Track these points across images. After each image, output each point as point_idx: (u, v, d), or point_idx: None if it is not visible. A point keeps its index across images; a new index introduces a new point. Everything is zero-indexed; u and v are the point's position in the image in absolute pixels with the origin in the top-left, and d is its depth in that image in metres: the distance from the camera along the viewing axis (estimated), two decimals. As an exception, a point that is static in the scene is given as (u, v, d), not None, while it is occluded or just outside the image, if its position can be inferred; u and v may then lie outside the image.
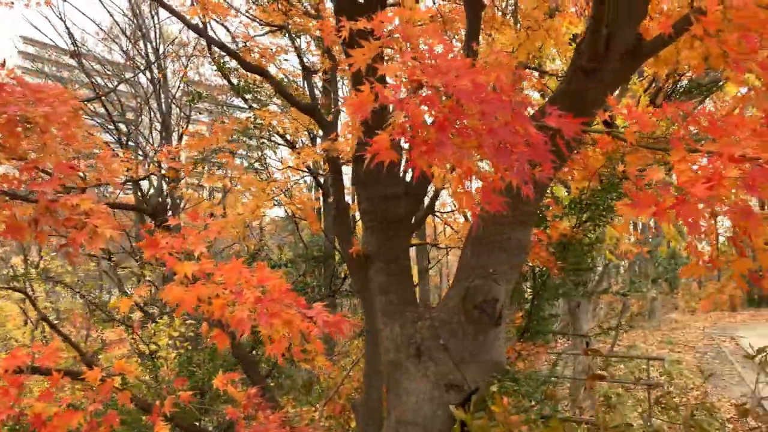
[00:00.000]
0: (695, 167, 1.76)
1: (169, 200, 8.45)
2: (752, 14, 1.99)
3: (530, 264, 4.65)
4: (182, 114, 16.34)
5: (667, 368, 11.98)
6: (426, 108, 1.61)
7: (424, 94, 1.63)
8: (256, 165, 10.36)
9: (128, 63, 14.36)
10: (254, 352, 6.05)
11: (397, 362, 3.01)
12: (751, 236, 1.54)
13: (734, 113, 2.00)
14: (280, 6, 7.55)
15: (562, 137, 1.90)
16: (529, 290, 5.28)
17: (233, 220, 7.49)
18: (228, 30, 8.85)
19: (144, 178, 4.09)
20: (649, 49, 2.90)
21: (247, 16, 7.17)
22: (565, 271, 4.66)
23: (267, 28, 7.71)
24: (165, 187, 7.47)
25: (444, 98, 1.68)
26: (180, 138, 16.82)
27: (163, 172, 3.79)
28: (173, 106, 15.49)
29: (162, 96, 14.44)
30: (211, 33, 5.77)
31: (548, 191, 6.47)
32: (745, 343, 14.93)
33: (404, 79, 1.76)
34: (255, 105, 9.11)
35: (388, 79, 1.88)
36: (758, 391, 10.07)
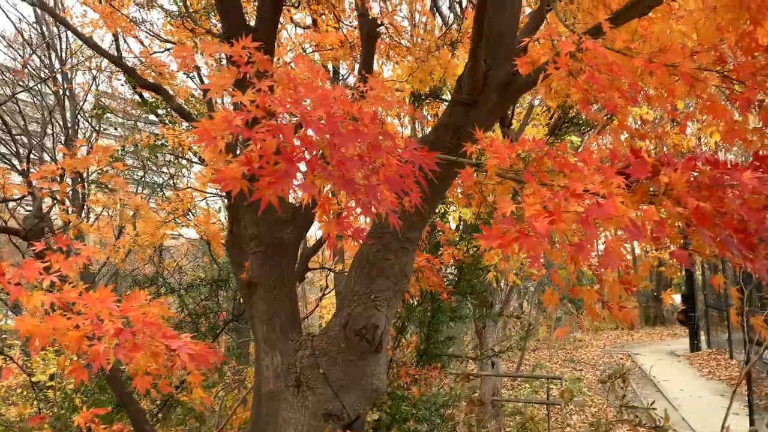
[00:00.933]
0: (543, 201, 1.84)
1: (58, 222, 7.95)
2: (601, 56, 2.13)
3: (424, 288, 4.72)
4: (91, 127, 15.55)
5: (568, 386, 12.49)
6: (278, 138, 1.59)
7: (277, 123, 1.62)
8: (169, 184, 9.98)
9: (25, 71, 13.50)
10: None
11: (276, 393, 2.94)
12: (578, 266, 1.62)
13: (586, 148, 2.12)
14: (185, 24, 7.38)
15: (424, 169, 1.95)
16: (428, 313, 5.38)
17: (125, 242, 7.15)
18: (142, 43, 8.56)
19: (18, 199, 3.81)
20: (523, 85, 3.06)
21: (148, 33, 6.95)
22: (459, 294, 4.78)
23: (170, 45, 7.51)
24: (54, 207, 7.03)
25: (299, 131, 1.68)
26: (89, 152, 15.83)
27: (38, 192, 3.56)
28: (80, 119, 14.74)
29: (67, 108, 13.70)
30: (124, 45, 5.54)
31: (446, 217, 6.68)
32: (640, 360, 15.85)
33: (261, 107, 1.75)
34: (167, 121, 8.82)
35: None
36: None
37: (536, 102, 9.52)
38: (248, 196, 1.57)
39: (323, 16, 7.02)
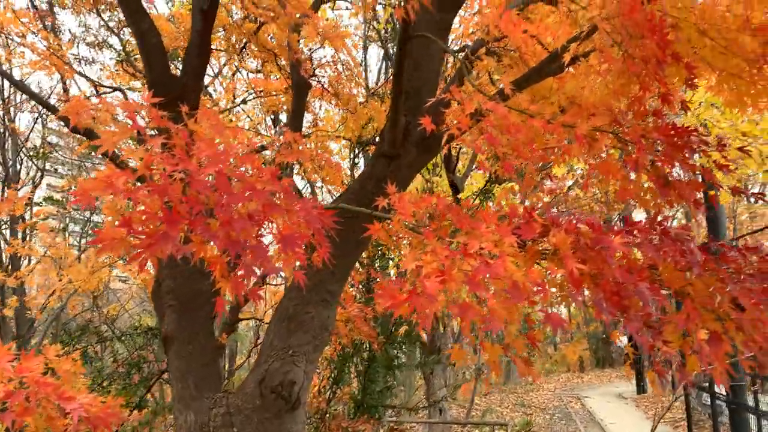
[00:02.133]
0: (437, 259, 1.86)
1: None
2: (503, 117, 2.20)
3: (358, 339, 4.67)
4: (36, 167, 15.11)
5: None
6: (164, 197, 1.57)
7: (163, 181, 1.60)
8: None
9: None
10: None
11: (188, 453, 2.82)
12: (467, 325, 1.63)
13: (487, 207, 2.16)
14: (125, 68, 7.33)
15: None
16: (363, 363, 5.30)
17: (58, 288, 6.87)
18: (89, 79, 8.42)
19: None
20: (441, 140, 3.12)
21: (90, 78, 6.87)
22: (394, 343, 4.74)
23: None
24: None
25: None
26: (34, 190, 15.50)
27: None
28: (24, 157, 14.31)
29: (8, 148, 13.30)
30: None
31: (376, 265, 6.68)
32: (588, 402, 15.97)
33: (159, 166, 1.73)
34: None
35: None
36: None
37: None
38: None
39: (267, 63, 7.09)
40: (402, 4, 2.52)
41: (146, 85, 3.39)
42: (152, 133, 2.11)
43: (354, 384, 5.53)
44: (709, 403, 8.88)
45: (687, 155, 2.05)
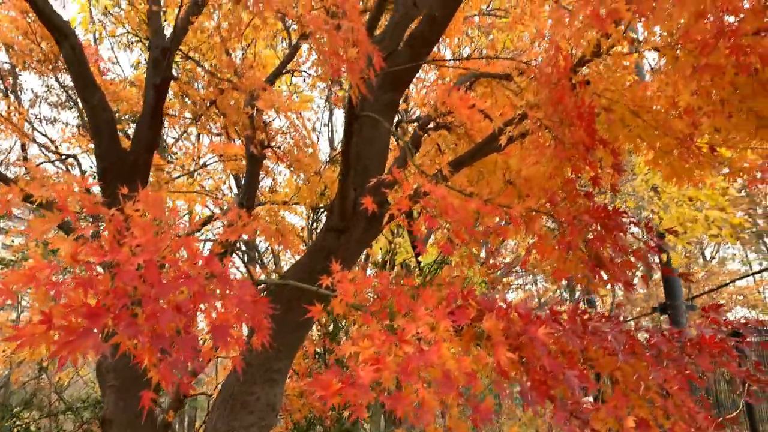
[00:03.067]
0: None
1: None
2: (441, 198, 2.25)
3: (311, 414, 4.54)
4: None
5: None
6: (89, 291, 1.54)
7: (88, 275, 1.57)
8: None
9: None
10: None
11: None
12: (400, 413, 1.61)
13: (428, 287, 2.18)
14: (82, 134, 7.31)
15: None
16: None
17: (1, 358, 6.56)
18: (45, 146, 8.32)
19: None
20: (388, 217, 3.18)
21: (38, 143, 6.81)
22: (340, 420, 4.61)
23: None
24: None
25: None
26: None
27: None
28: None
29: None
30: None
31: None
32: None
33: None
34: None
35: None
36: None
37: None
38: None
39: (227, 128, 7.15)
40: (349, 87, 2.60)
41: (96, 159, 3.38)
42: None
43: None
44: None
45: (617, 237, 2.12)
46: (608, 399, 1.64)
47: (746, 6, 2.09)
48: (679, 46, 2.71)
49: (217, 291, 1.86)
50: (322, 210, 5.84)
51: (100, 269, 1.67)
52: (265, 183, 7.52)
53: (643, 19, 2.20)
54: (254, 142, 3.66)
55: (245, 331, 3.30)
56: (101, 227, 1.93)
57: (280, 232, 4.56)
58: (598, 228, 2.18)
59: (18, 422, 6.51)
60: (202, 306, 1.79)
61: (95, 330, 1.46)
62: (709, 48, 2.06)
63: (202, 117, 7.10)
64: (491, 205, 2.27)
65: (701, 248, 20.22)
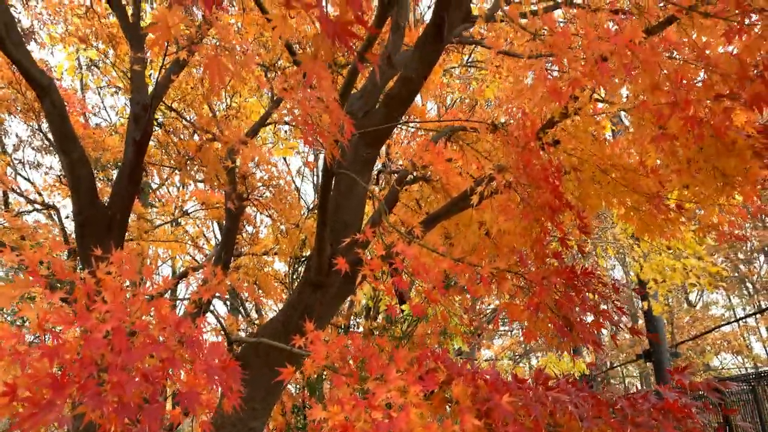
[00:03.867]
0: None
1: None
2: (413, 257, 2.29)
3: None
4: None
5: None
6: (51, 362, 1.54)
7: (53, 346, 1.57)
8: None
9: None
10: None
11: None
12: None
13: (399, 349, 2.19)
14: (63, 182, 7.32)
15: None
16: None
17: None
18: (25, 197, 8.29)
19: None
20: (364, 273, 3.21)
21: (19, 194, 6.82)
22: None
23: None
24: None
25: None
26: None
27: None
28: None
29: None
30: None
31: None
32: None
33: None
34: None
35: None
36: None
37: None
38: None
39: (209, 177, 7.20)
40: (324, 149, 2.67)
41: (73, 214, 3.39)
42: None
43: None
44: None
45: (584, 297, 2.17)
46: (575, 465, 1.65)
47: (699, 80, 2.20)
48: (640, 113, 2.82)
49: (187, 356, 1.86)
50: (303, 259, 5.86)
51: (68, 337, 1.67)
52: (248, 230, 7.54)
53: (603, 87, 2.30)
54: (232, 197, 3.70)
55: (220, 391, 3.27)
56: (71, 294, 1.94)
57: (259, 284, 4.55)
58: (566, 289, 2.22)
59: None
60: (170, 371, 1.79)
61: (59, 402, 1.45)
62: (665, 118, 2.16)
63: (185, 166, 7.16)
64: (462, 264, 2.31)
65: (685, 293, 20.39)
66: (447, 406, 1.89)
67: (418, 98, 6.44)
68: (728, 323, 10.29)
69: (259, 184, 5.96)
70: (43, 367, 1.54)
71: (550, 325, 2.27)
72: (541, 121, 3.06)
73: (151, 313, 1.97)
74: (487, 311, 11.01)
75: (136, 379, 1.61)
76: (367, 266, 2.31)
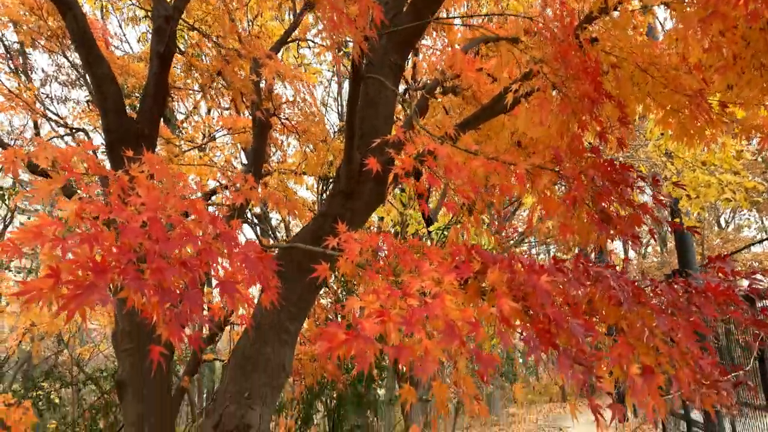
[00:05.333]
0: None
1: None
2: (446, 157, 2.24)
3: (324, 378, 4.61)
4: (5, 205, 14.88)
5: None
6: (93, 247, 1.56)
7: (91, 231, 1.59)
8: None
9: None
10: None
11: (141, 504, 2.74)
12: (404, 363, 1.63)
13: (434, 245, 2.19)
14: (93, 108, 7.34)
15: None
16: (333, 403, 5.22)
17: (18, 332, 6.71)
18: (54, 120, 8.37)
19: None
20: (392, 177, 3.17)
21: (50, 119, 6.85)
22: (364, 380, 4.68)
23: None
24: None
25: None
26: (4, 230, 15.36)
27: None
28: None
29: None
30: None
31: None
32: (570, 433, 15.83)
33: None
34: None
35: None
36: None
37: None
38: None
39: (236, 100, 7.14)
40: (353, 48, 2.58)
41: (102, 128, 3.39)
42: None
43: (323, 424, 5.44)
44: (686, 430, 8.86)
45: (623, 192, 2.11)
46: (612, 348, 1.65)
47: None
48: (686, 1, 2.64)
49: (224, 250, 1.88)
50: (330, 180, 5.84)
51: (105, 228, 1.69)
52: (275, 157, 7.53)
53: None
54: (260, 108, 3.65)
55: (256, 293, 3.34)
56: (105, 190, 1.95)
57: (289, 199, 4.55)
58: (605, 183, 2.16)
59: (40, 392, 6.68)
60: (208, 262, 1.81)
61: (101, 284, 1.48)
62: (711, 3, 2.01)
63: (210, 89, 7.09)
64: (496, 162, 2.25)
65: (716, 215, 20.03)
66: (482, 296, 1.88)
67: (444, 14, 6.18)
68: (760, 242, 10.10)
69: (286, 108, 5.89)
70: (83, 252, 1.56)
71: (586, 219, 2.23)
72: (578, 18, 2.90)
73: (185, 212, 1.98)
74: (515, 233, 10.97)
75: (175, 267, 1.63)
76: (398, 165, 2.28)
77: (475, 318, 1.62)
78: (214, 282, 1.85)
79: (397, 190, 9.18)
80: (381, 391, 5.99)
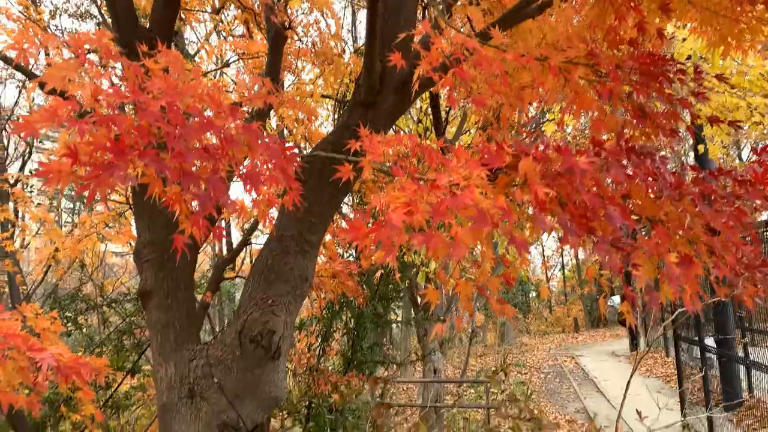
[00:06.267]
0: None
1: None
2: (475, 50, 2.12)
3: (344, 295, 4.64)
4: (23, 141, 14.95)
5: (512, 390, 12.59)
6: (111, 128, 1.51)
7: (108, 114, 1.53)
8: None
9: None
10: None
11: (169, 405, 2.81)
12: (434, 254, 1.59)
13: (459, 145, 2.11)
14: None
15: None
16: (351, 320, 5.31)
17: (44, 257, 6.83)
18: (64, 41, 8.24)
19: None
20: (420, 84, 3.05)
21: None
22: (382, 298, 4.73)
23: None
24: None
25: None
26: (23, 166, 15.48)
27: None
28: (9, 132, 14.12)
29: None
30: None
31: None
32: (582, 361, 16.17)
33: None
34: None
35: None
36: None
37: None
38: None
39: (249, 23, 6.93)
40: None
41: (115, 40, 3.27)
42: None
43: (343, 341, 5.57)
44: (699, 356, 8.96)
45: (663, 84, 1.99)
46: (650, 238, 1.58)
47: None
48: None
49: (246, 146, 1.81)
50: (347, 102, 5.69)
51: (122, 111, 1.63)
52: (289, 79, 7.35)
53: None
54: (274, 10, 3.50)
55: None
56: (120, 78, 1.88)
57: (300, 120, 4.45)
58: (642, 76, 2.04)
59: (68, 314, 6.86)
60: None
61: (121, 164, 1.43)
62: None
63: (222, 9, 6.87)
64: (528, 56, 2.13)
65: (738, 149, 19.54)
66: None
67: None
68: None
69: (300, 29, 5.68)
70: (101, 133, 1.50)
71: (622, 115, 2.12)
72: None
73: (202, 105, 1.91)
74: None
75: (197, 151, 1.57)
76: (425, 60, 2.17)
77: (507, 205, 1.56)
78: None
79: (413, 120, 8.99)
80: (399, 311, 6.09)
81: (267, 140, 1.87)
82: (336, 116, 6.03)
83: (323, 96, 5.23)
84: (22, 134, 1.45)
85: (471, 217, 1.55)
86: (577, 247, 1.43)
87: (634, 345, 16.09)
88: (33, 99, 13.59)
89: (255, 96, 2.38)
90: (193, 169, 1.59)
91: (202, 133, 1.64)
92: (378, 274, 5.03)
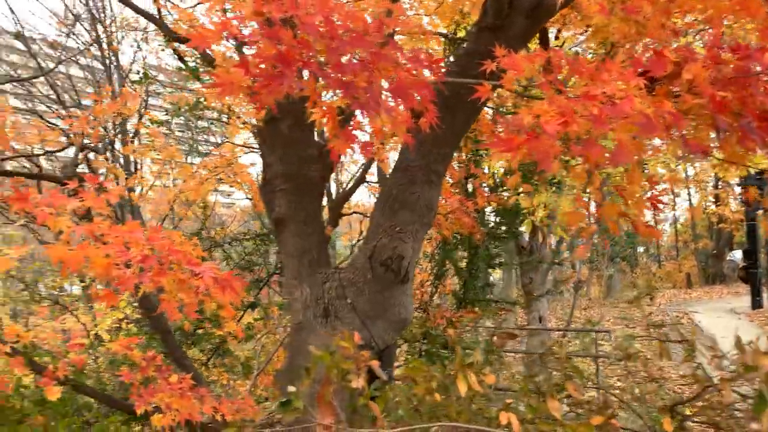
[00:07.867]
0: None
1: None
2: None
3: (460, 233, 4.66)
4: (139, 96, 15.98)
5: (621, 342, 12.23)
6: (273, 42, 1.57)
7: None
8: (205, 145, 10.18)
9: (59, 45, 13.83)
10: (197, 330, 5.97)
11: (305, 323, 2.99)
12: (591, 161, 1.54)
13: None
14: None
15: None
16: (466, 260, 5.34)
17: (170, 197, 7.36)
18: None
19: (58, 151, 4.04)
20: (552, 7, 2.91)
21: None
22: (495, 239, 4.71)
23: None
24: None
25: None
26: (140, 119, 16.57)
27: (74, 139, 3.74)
28: (128, 88, 15.11)
29: (115, 80, 14.06)
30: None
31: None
32: (696, 317, 15.35)
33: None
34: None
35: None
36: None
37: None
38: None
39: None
40: None
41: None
42: None
43: (454, 281, 5.66)
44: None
45: None
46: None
47: None
48: None
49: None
50: (458, 40, 5.57)
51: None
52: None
53: None
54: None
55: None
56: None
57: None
58: None
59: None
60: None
61: (288, 73, 1.49)
62: None
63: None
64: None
65: None
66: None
67: None
68: None
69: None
70: (266, 48, 1.57)
71: None
72: None
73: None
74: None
75: (357, 63, 1.61)
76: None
77: (675, 110, 1.48)
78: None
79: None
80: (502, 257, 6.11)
81: (411, 56, 1.87)
82: (449, 55, 5.91)
83: (435, 34, 5.13)
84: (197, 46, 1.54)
85: (637, 123, 1.48)
86: (765, 149, 1.33)
87: (756, 302, 15.01)
88: (145, 57, 14.28)
89: (405, 24, 2.38)
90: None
91: (356, 47, 1.67)
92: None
